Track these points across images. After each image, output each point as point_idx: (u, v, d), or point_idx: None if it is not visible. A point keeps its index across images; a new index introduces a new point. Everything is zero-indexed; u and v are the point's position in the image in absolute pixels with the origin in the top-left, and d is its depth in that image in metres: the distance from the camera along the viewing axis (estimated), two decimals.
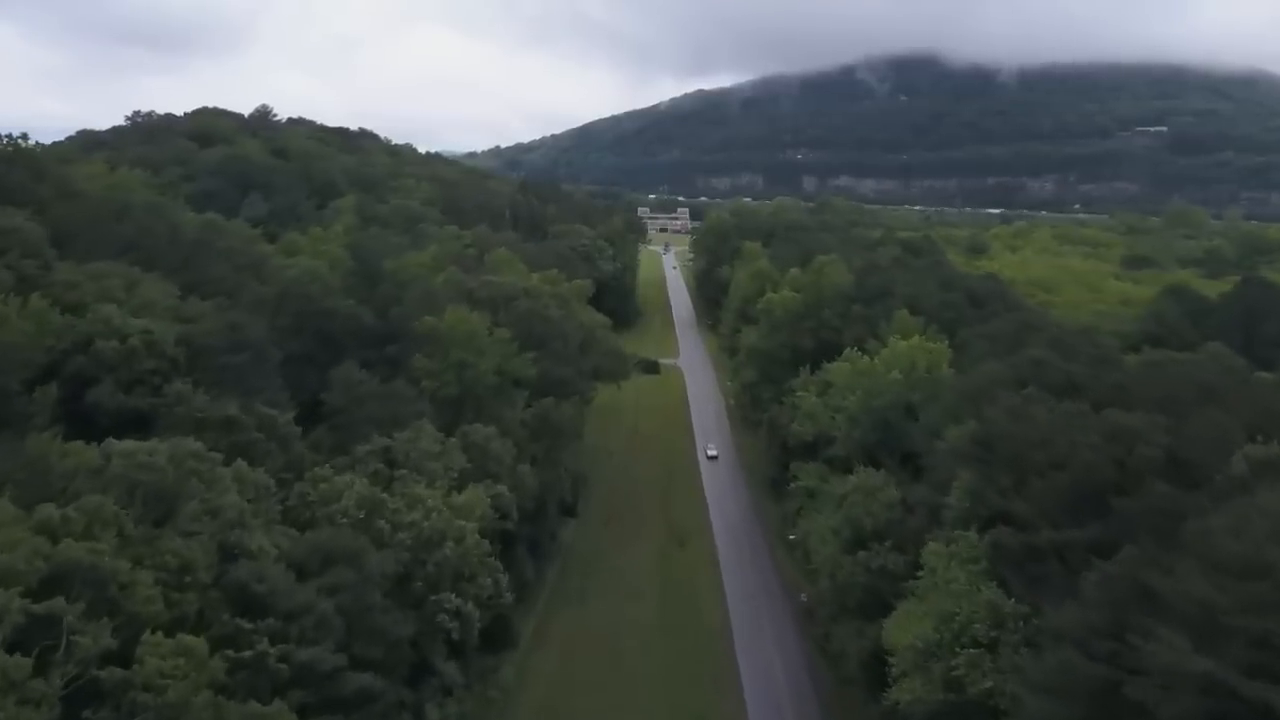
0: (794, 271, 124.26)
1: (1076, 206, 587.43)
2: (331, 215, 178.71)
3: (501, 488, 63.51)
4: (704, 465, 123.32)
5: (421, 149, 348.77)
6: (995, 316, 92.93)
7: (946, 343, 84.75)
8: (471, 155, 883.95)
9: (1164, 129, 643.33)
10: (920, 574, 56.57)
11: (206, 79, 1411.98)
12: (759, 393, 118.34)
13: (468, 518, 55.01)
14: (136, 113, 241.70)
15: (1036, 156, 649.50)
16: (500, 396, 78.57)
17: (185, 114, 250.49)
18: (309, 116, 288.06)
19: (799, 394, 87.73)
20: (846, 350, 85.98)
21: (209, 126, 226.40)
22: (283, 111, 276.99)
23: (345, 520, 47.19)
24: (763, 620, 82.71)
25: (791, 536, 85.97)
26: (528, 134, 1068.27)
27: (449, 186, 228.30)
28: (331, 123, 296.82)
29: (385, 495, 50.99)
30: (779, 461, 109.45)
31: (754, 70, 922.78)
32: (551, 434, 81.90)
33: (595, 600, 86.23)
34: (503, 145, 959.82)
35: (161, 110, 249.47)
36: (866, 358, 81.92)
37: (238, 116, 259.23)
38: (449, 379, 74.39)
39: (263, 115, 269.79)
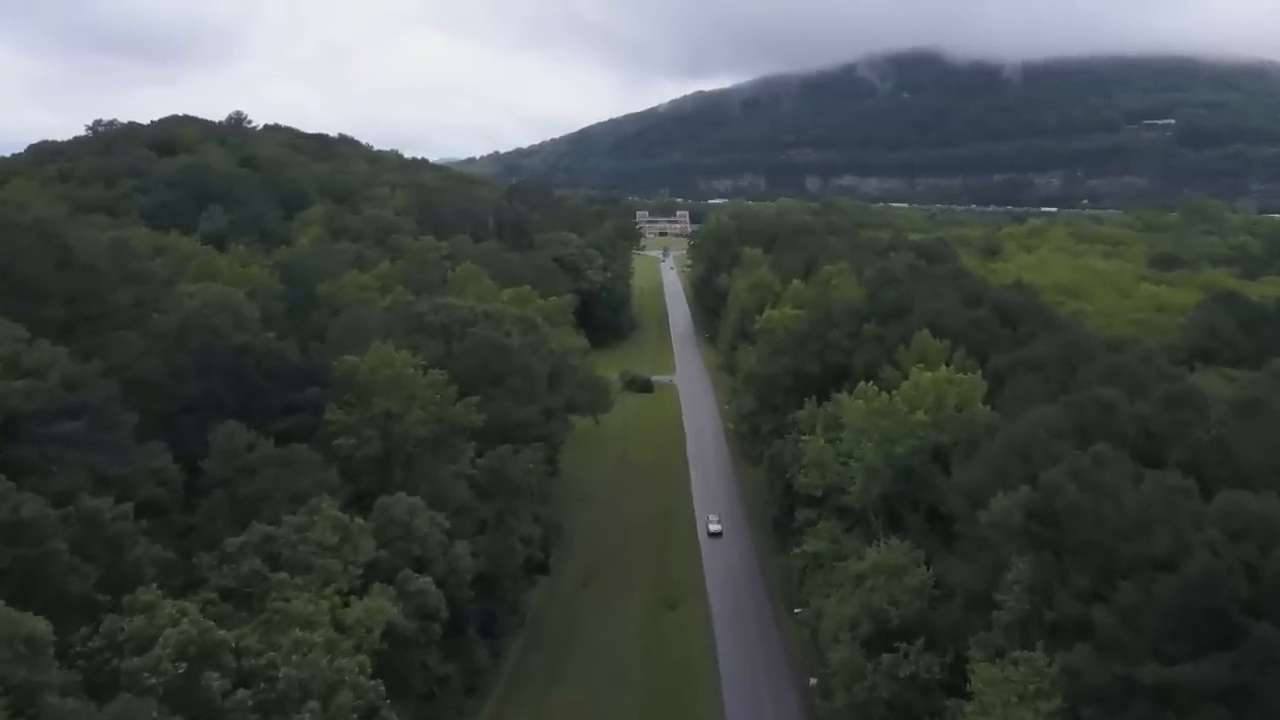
0: (797, 284, 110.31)
1: (1085, 202, 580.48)
2: (299, 227, 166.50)
3: (426, 580, 49.61)
4: (699, 503, 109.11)
5: (422, 156, 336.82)
6: (1033, 338, 78.80)
7: (978, 372, 70.83)
8: (470, 161, 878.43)
9: (1172, 122, 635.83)
10: (968, 705, 42.47)
11: (201, 88, 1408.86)
12: (759, 422, 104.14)
13: (362, 642, 41.21)
14: (98, 121, 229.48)
15: (1042, 152, 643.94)
16: (439, 450, 64.61)
17: (152, 121, 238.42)
18: (305, 126, 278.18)
19: (804, 438, 73.58)
20: (859, 384, 71.59)
21: (174, 135, 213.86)
22: (278, 120, 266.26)
23: (155, 681, 33.31)
24: (765, 712, 68.68)
25: (797, 611, 71.91)
26: (526, 139, 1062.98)
27: (429, 194, 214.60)
28: (329, 131, 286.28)
29: (225, 634, 36.90)
30: (782, 503, 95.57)
31: (754, 70, 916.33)
32: (507, 491, 67.93)
33: (565, 685, 72.08)
34: (501, 150, 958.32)
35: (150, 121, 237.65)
36: (884, 394, 67.73)
37: (208, 124, 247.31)
38: (369, 435, 60.52)
39: (236, 122, 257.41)
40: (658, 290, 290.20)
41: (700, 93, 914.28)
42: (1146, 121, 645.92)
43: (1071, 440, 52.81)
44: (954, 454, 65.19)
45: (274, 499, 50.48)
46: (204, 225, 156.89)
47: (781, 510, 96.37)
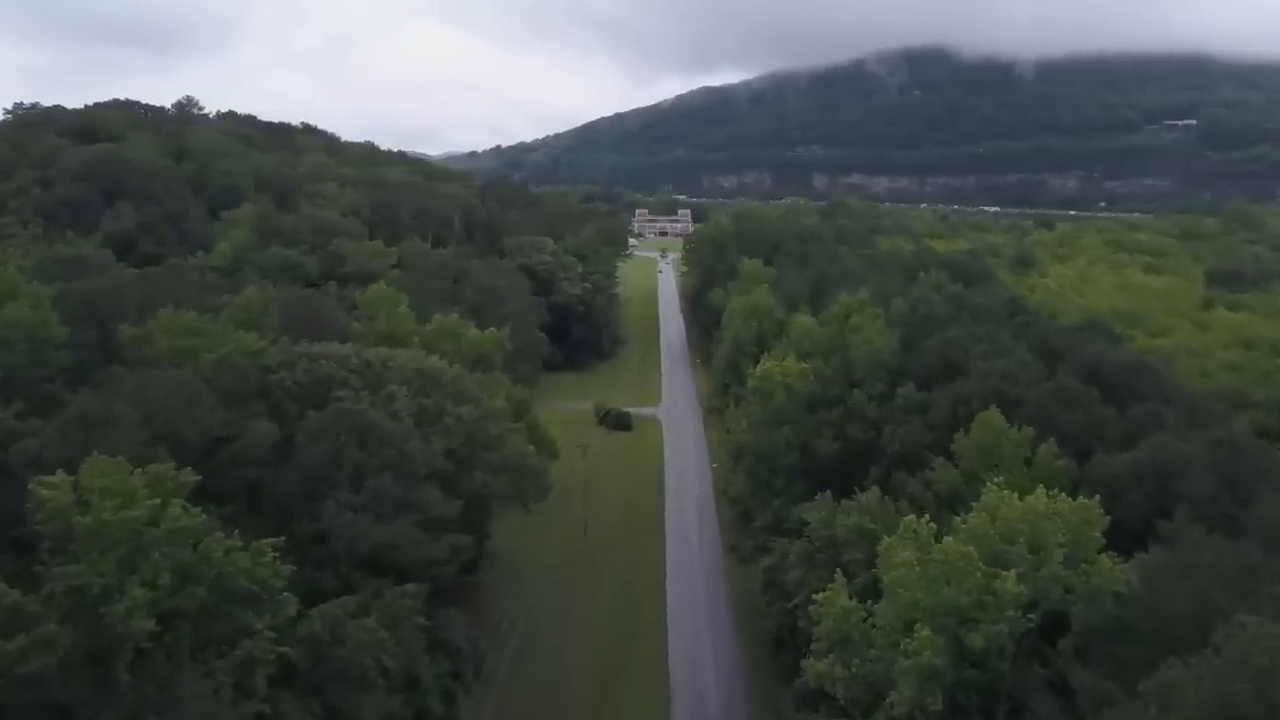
0: (804, 319, 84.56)
1: (1102, 204, 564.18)
2: (225, 229, 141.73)
3: None
4: (675, 609, 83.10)
5: (430, 152, 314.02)
6: (1154, 424, 53.14)
7: (1091, 493, 45.24)
8: (472, 155, 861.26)
9: (1193, 122, 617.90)
10: None
11: (198, 79, 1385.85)
12: (753, 507, 78.28)
13: None
14: (19, 104, 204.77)
15: (1058, 152, 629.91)
16: (217, 621, 38.92)
17: (86, 106, 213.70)
18: (306, 119, 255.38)
19: (816, 597, 47.36)
20: (905, 520, 45.22)
21: (98, 122, 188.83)
22: (279, 113, 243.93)
23: None
24: None
25: None
26: (530, 133, 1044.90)
27: (387, 191, 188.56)
28: (331, 127, 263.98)
29: None
30: (782, 621, 70.04)
31: (761, 65, 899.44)
32: (341, 679, 42.42)
33: None
34: (504, 145, 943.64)
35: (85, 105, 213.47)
36: (948, 538, 41.99)
37: (150, 109, 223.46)
38: (50, 630, 33.99)
39: (183, 108, 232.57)
40: (651, 298, 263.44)
41: (706, 88, 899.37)
42: (1166, 121, 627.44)
43: None
44: (1067, 635, 39.89)
45: None
46: (107, 226, 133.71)
47: (782, 629, 70.98)
